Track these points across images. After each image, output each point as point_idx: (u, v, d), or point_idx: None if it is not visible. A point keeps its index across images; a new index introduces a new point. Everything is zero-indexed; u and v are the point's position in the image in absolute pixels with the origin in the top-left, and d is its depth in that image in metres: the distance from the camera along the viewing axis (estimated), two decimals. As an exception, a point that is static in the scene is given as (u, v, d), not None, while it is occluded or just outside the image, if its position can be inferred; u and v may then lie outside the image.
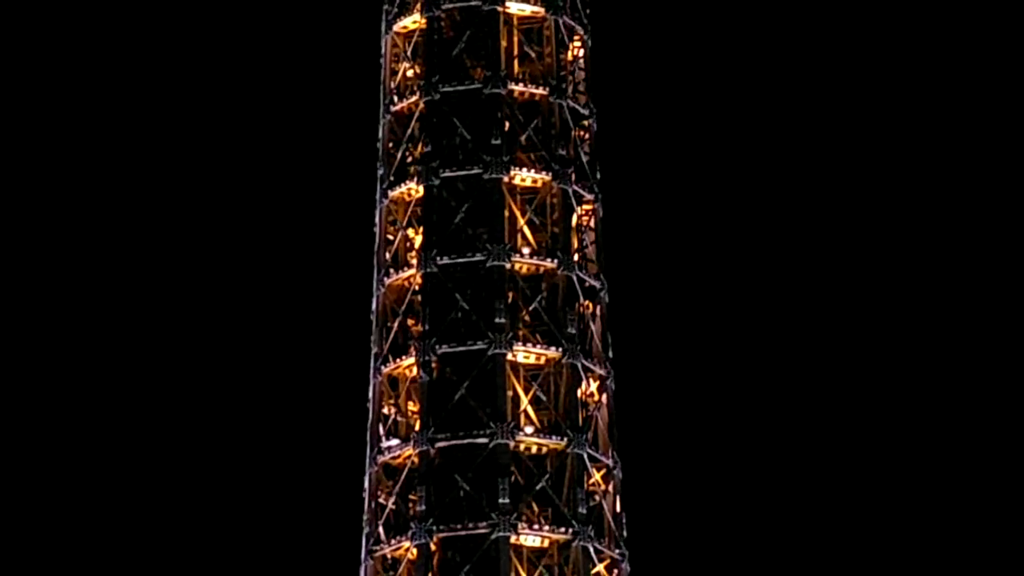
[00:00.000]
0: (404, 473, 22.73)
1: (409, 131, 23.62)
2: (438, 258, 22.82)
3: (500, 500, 21.90)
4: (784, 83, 46.78)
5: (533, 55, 23.67)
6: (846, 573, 34.89)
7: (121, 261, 40.45)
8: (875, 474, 37.77)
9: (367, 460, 23.22)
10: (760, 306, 39.31)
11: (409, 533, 22.11)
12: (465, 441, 22.33)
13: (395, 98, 23.72)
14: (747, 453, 35.87)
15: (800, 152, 46.06)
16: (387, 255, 23.59)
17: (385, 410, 23.35)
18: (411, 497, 22.67)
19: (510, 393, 22.59)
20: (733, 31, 44.19)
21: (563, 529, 22.13)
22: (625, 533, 22.93)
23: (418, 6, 23.47)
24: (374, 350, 23.31)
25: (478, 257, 22.68)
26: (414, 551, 22.24)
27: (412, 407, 23.21)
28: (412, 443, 22.72)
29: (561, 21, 23.53)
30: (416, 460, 22.57)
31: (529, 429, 22.60)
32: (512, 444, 22.19)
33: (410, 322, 23.20)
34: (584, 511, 22.43)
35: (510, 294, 22.95)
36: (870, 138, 46.33)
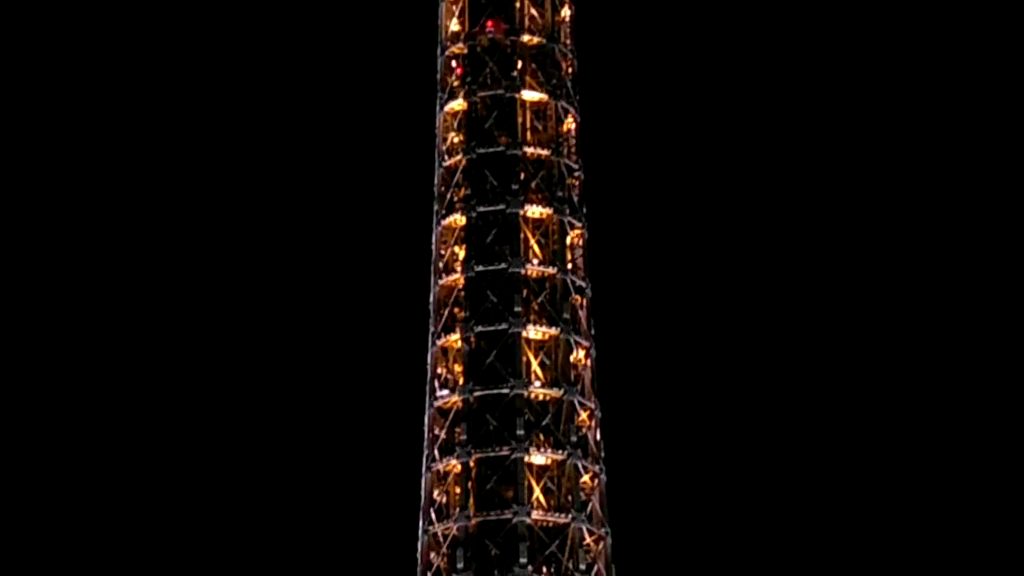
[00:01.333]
0: (452, 413, 32.88)
1: (455, 179, 34.01)
2: (476, 266, 33.12)
3: (517, 432, 31.90)
4: (744, 128, 57.67)
5: (540, 127, 34.07)
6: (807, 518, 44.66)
7: (231, 260, 52.03)
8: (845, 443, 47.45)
9: (426, 405, 33.48)
10: (714, 295, 50.44)
11: (455, 454, 32.33)
12: (493, 391, 32.41)
13: (446, 156, 34.14)
14: (694, 396, 46.57)
15: (762, 182, 56.58)
16: (440, 264, 33.90)
17: (439, 370, 33.52)
18: (456, 430, 32.83)
19: (524, 359, 32.75)
20: (696, 94, 55.29)
21: (560, 452, 32.20)
22: (603, 455, 33.04)
23: (461, 94, 33.96)
24: (431, 329, 33.60)
25: (503, 266, 32.93)
26: (458, 466, 32.42)
27: (457, 368, 33.34)
28: (457, 393, 32.92)
29: (559, 104, 34.00)
30: (460, 404, 32.69)
31: (537, 383, 32.64)
32: (525, 394, 32.31)
33: (456, 310, 33.36)
34: (575, 439, 32.52)
35: (524, 291, 33.11)
36: (838, 149, 56.50)
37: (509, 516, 31.21)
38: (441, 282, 33.59)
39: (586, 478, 32.56)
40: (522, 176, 33.33)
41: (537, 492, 31.89)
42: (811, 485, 48.03)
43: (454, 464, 32.34)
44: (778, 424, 49.57)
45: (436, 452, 32.82)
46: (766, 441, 47.72)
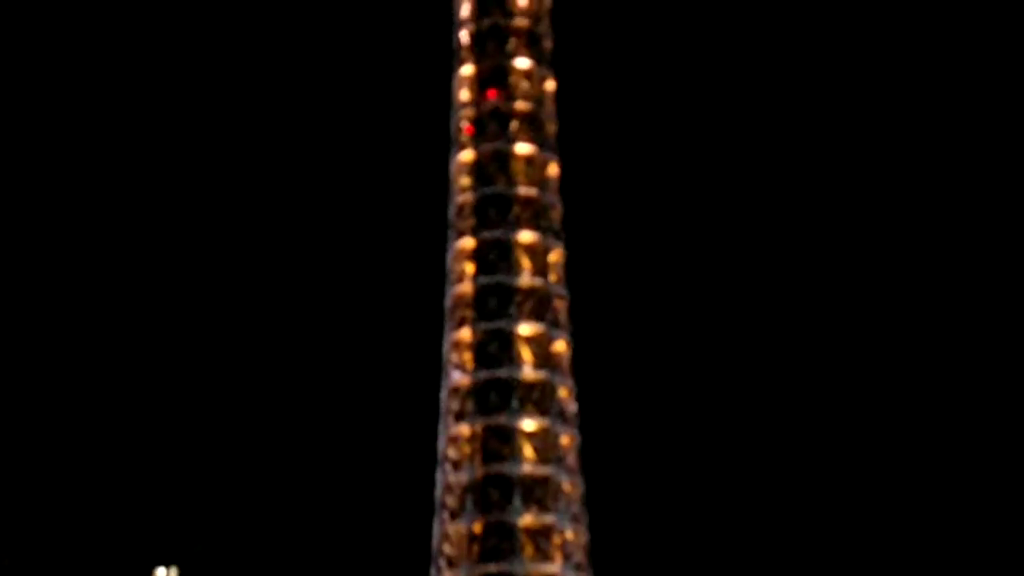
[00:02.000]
0: (462, 391, 42.95)
1: (465, 212, 44.15)
2: (480, 279, 43.28)
3: (512, 404, 42.06)
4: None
5: (530, 172, 44.30)
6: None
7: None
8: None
9: (442, 384, 43.56)
10: (665, 298, 61.87)
11: (466, 420, 42.35)
12: (495, 374, 42.53)
13: (458, 195, 44.39)
14: (651, 376, 57.49)
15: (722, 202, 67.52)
16: (454, 277, 44.05)
17: (452, 358, 43.61)
18: (466, 403, 42.81)
19: (518, 349, 42.86)
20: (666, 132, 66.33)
21: (545, 419, 42.18)
22: (578, 421, 43.15)
23: (470, 147, 44.25)
24: (446, 326, 43.74)
25: (502, 278, 43.10)
26: (468, 431, 42.42)
27: (466, 356, 43.32)
28: (466, 375, 42.99)
29: (545, 155, 44.28)
30: (468, 384, 42.78)
31: (527, 368, 42.76)
32: (519, 376, 42.41)
33: (466, 312, 43.54)
34: (556, 410, 42.65)
35: (518, 297, 43.28)
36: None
37: (506, 469, 41.31)
38: (454, 291, 43.78)
39: (565, 439, 42.66)
40: (516, 210, 43.57)
41: (528, 450, 41.97)
42: (755, 438, 58.68)
43: (464, 429, 42.43)
44: (717, 391, 60.65)
45: (450, 420, 42.91)
46: (709, 406, 59.03)
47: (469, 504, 41.55)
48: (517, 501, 40.94)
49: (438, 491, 42.78)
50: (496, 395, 42.11)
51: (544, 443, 42.34)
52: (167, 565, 43.10)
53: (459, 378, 43.04)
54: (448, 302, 43.97)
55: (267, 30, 74.91)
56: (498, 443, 41.98)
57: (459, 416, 42.71)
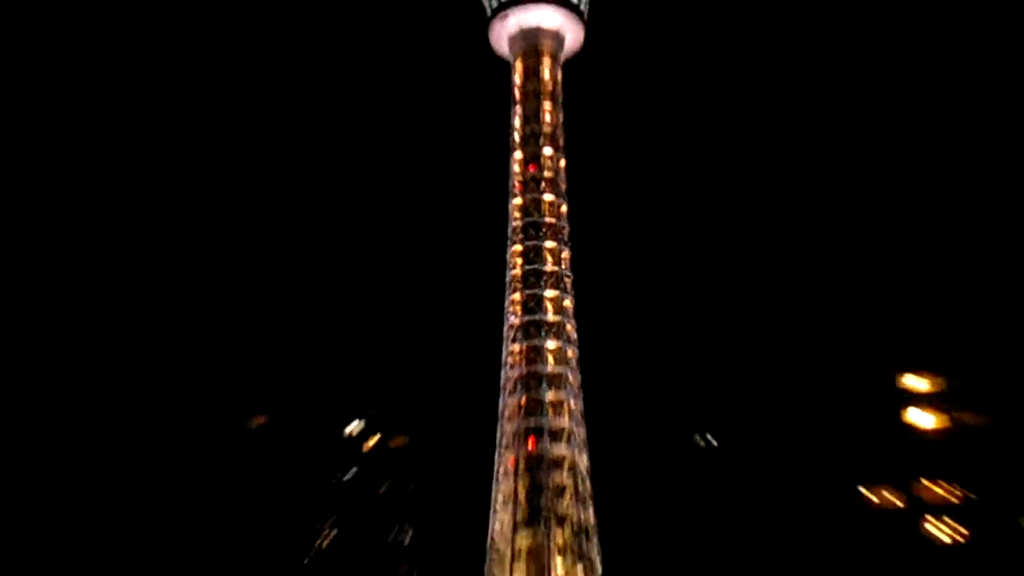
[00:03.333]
0: (515, 327, 79.00)
1: (516, 231, 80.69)
2: (525, 267, 79.61)
3: (542, 333, 77.79)
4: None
5: (552, 210, 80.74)
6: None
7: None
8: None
9: (504, 323, 79.87)
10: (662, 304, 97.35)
11: (517, 342, 78.30)
12: (533, 318, 78.43)
13: (513, 221, 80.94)
14: (636, 363, 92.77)
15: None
16: (510, 265, 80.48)
17: (509, 310, 79.67)
18: (516, 334, 78.86)
19: (545, 305, 79.01)
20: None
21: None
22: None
23: (520, 196, 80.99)
24: (506, 292, 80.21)
25: (536, 267, 79.32)
26: (517, 348, 78.38)
27: (517, 308, 79.05)
28: (517, 319, 79.14)
29: (560, 200, 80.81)
30: (518, 323, 78.77)
31: (550, 315, 78.51)
32: (546, 319, 78.33)
33: (517, 284, 79.82)
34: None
35: (544, 277, 79.35)
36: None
37: (538, 369, 77.06)
38: (510, 273, 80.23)
39: (570, 352, 78.61)
40: (543, 229, 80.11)
41: (550, 358, 77.74)
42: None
43: (516, 347, 78.52)
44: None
45: (508, 343, 79.07)
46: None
47: (519, 388, 77.64)
48: (544, 386, 76.97)
49: (501, 381, 79.05)
50: (533, 329, 78.31)
51: (558, 355, 78.33)
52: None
53: (513, 320, 79.47)
54: (507, 279, 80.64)
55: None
56: (534, 355, 78.10)
57: (513, 340, 79.02)
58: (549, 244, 79.57)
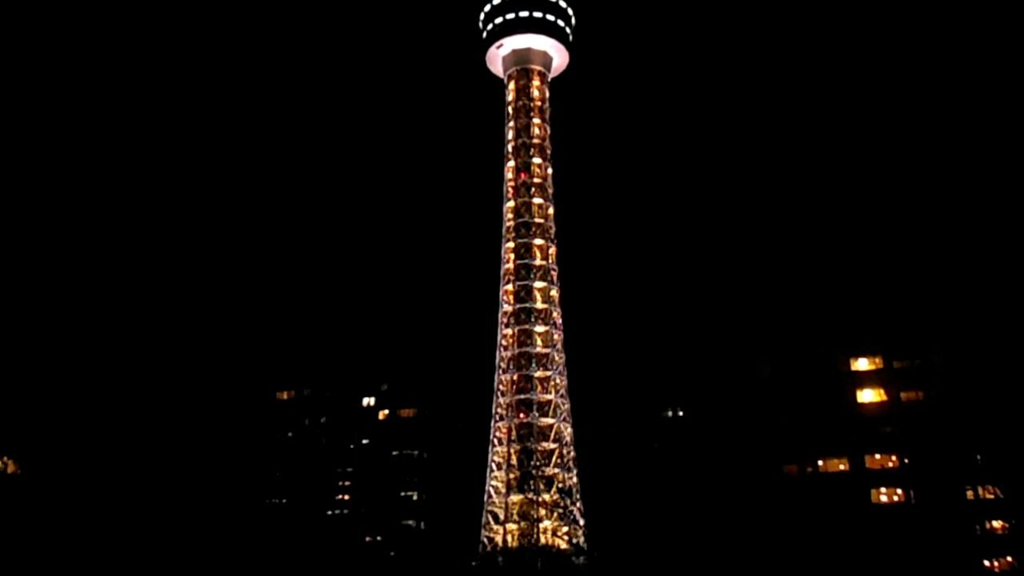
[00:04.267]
0: (507, 315, 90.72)
1: (508, 228, 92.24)
2: (516, 261, 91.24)
3: (531, 320, 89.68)
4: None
5: (540, 211, 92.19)
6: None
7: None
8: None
9: (499, 312, 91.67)
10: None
11: (509, 328, 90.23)
12: (524, 306, 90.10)
13: (506, 220, 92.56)
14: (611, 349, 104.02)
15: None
16: (504, 259, 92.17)
17: (503, 299, 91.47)
18: (509, 320, 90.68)
19: (535, 295, 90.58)
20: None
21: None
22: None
23: (513, 199, 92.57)
24: (500, 284, 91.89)
25: (527, 261, 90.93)
26: (510, 333, 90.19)
27: (510, 298, 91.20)
28: (510, 307, 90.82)
29: (547, 203, 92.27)
30: (510, 311, 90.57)
31: (539, 304, 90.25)
32: (535, 307, 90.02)
33: (510, 276, 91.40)
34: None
35: (534, 271, 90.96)
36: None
37: (528, 350, 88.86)
38: (504, 267, 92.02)
39: (556, 336, 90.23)
40: (533, 228, 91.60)
41: (539, 341, 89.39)
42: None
43: (508, 332, 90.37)
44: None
45: (502, 328, 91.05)
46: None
47: (511, 366, 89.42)
48: (533, 365, 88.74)
49: (496, 361, 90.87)
50: (524, 316, 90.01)
51: (546, 337, 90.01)
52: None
53: (506, 308, 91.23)
54: (501, 272, 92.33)
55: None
56: (525, 338, 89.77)
57: (506, 325, 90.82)
58: (538, 242, 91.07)
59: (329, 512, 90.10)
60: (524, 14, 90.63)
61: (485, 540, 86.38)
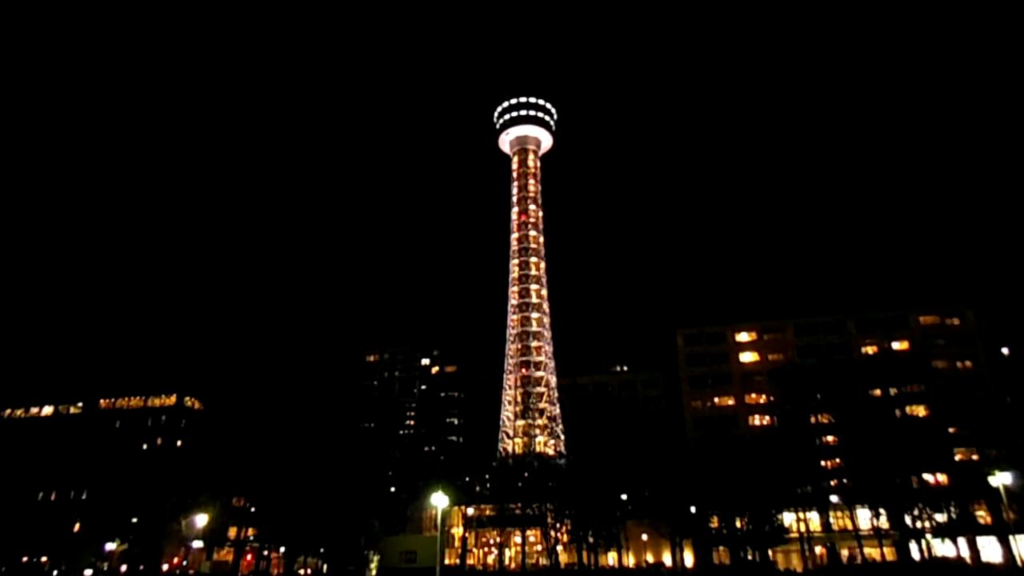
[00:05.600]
0: (513, 320, 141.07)
1: (514, 252, 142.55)
2: (519, 271, 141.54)
3: (531, 341, 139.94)
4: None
5: (534, 237, 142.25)
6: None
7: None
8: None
9: (508, 292, 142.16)
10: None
11: (514, 342, 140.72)
12: (528, 329, 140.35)
13: (512, 247, 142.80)
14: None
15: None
16: (512, 266, 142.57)
17: (511, 312, 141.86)
18: (515, 320, 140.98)
19: (535, 321, 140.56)
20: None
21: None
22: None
23: (517, 232, 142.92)
24: (509, 301, 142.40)
25: (529, 272, 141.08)
26: (516, 296, 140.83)
27: (513, 311, 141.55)
28: (516, 314, 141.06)
29: (541, 235, 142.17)
30: (518, 318, 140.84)
31: (534, 327, 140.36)
32: (532, 329, 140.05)
33: (514, 295, 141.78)
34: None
35: (532, 294, 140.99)
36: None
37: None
38: (512, 275, 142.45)
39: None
40: (529, 251, 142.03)
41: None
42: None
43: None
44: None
45: (511, 293, 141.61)
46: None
47: (516, 339, 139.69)
48: (531, 338, 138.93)
49: (507, 334, 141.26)
50: (524, 307, 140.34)
51: (538, 322, 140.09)
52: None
53: (513, 302, 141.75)
54: (510, 278, 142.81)
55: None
56: (525, 321, 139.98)
57: (513, 313, 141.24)
58: (533, 259, 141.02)
59: (401, 432, 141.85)
60: (523, 113, 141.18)
61: (501, 450, 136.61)
